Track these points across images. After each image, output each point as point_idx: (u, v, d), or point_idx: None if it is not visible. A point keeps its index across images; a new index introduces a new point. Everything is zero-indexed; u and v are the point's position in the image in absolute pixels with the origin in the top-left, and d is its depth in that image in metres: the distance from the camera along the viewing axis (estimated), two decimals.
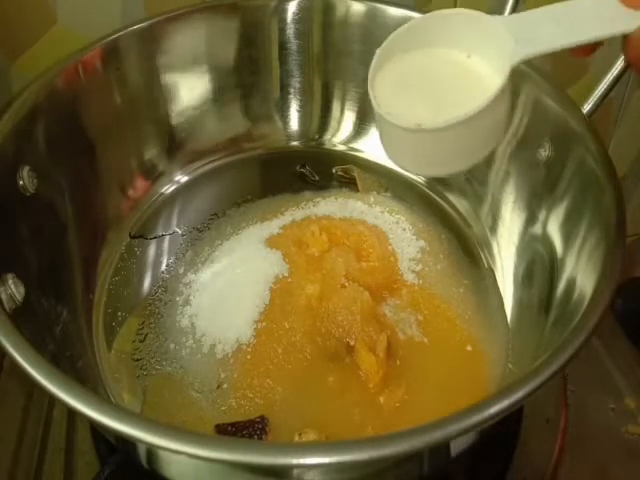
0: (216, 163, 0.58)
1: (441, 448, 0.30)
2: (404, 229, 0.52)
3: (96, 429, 0.43)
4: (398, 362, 0.43)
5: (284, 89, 0.59)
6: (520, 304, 0.46)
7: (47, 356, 0.30)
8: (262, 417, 0.39)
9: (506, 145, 0.49)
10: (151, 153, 0.55)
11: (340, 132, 0.60)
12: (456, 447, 0.33)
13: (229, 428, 0.38)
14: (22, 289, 0.37)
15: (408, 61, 0.37)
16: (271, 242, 0.49)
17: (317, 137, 0.61)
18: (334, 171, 0.58)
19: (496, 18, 0.35)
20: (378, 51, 0.36)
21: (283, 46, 0.57)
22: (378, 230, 0.51)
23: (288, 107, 0.60)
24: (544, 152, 0.45)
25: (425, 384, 0.42)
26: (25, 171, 0.41)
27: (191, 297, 0.47)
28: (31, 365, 0.29)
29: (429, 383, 0.42)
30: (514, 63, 0.33)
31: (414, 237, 0.51)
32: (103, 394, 0.41)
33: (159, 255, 0.51)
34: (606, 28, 0.33)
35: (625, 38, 0.32)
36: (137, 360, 0.43)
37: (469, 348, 0.44)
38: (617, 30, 0.33)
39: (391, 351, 0.43)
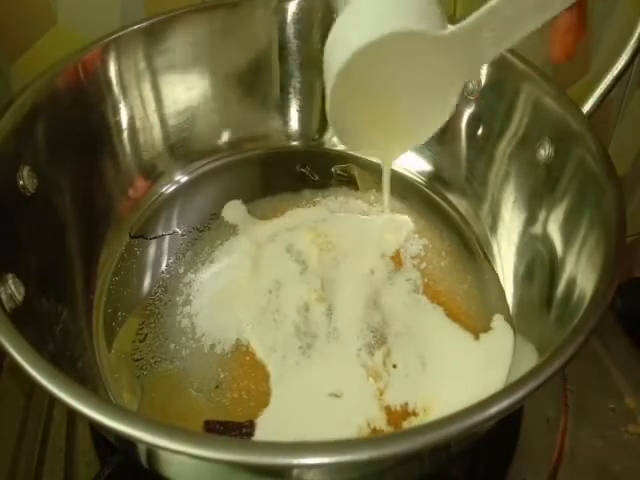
0: (216, 163, 0.58)
1: (441, 448, 0.30)
2: None
3: (96, 429, 0.43)
4: None
5: (284, 89, 0.59)
6: (521, 303, 0.46)
7: (47, 356, 0.30)
8: (250, 421, 0.39)
9: (506, 145, 0.49)
10: (151, 153, 0.55)
11: None
12: (456, 447, 0.33)
13: (217, 426, 0.38)
14: (22, 289, 0.37)
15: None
16: None
17: (317, 137, 0.61)
18: (333, 170, 0.57)
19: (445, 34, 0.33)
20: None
21: (283, 46, 0.57)
22: None
23: (288, 107, 0.60)
24: (544, 152, 0.45)
25: None
26: (25, 171, 0.41)
27: (191, 297, 0.47)
28: (31, 365, 0.29)
29: None
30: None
31: (416, 235, 0.51)
32: (103, 394, 0.41)
33: (159, 255, 0.51)
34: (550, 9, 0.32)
35: None
36: (137, 360, 0.43)
37: None
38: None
39: None
